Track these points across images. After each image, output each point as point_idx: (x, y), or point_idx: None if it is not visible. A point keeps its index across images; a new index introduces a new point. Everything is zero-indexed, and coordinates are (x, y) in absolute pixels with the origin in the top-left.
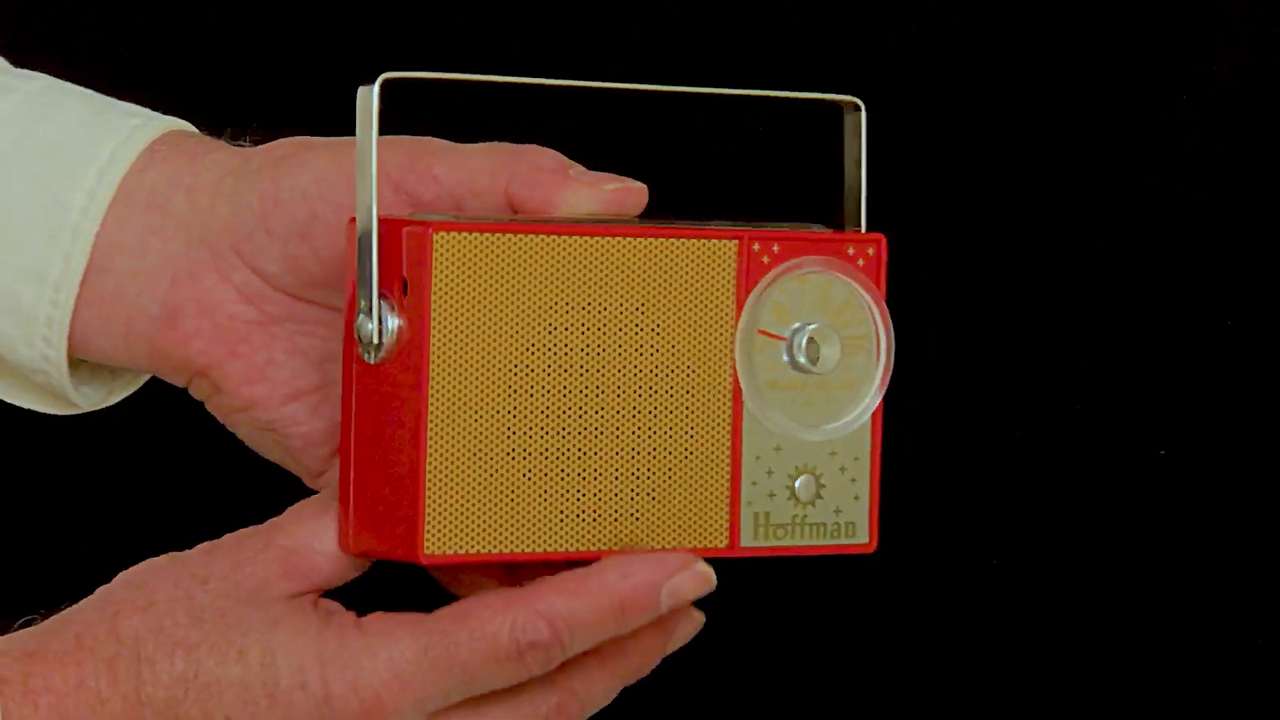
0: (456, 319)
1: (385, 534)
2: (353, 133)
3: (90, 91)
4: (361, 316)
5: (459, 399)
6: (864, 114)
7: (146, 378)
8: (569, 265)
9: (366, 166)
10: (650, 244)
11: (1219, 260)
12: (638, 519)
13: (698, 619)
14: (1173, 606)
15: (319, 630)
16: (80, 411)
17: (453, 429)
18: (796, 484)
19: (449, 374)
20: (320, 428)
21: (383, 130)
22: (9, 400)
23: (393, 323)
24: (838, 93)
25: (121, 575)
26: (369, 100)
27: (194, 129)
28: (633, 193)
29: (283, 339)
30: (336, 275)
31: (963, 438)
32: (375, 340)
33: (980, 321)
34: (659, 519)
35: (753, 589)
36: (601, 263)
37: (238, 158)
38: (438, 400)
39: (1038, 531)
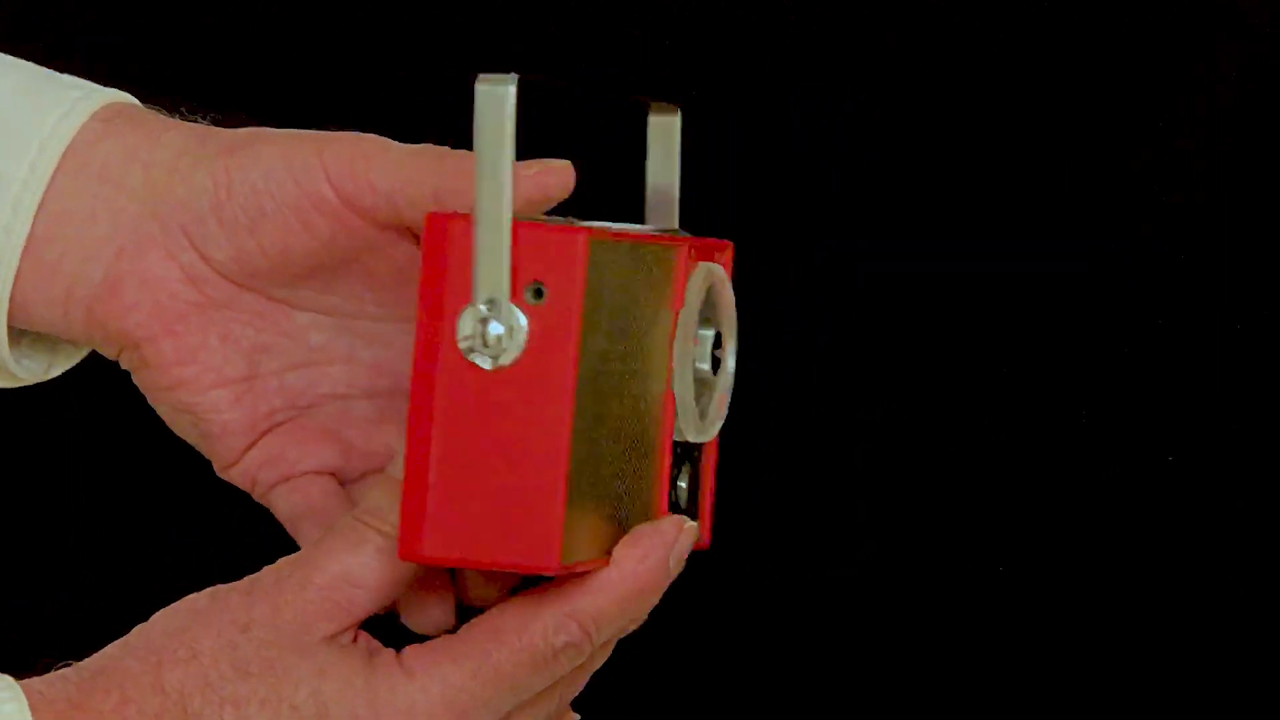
0: (585, 325)
1: (490, 543)
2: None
3: (24, 62)
4: (488, 320)
5: (581, 407)
6: (679, 117)
7: (85, 352)
8: (634, 272)
9: (495, 166)
10: (669, 251)
11: (1222, 262)
12: (624, 521)
13: (692, 529)
14: (1176, 608)
15: (367, 677)
16: (19, 385)
17: (578, 438)
18: (681, 485)
19: (581, 381)
20: (239, 418)
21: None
22: None
23: (524, 327)
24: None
25: (160, 618)
26: (497, 99)
27: (136, 101)
28: (554, 172)
29: (218, 324)
30: (280, 269)
31: (966, 442)
32: (505, 344)
33: (982, 323)
34: (631, 519)
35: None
36: (649, 270)
37: (194, 138)
38: (577, 408)
39: (1040, 535)
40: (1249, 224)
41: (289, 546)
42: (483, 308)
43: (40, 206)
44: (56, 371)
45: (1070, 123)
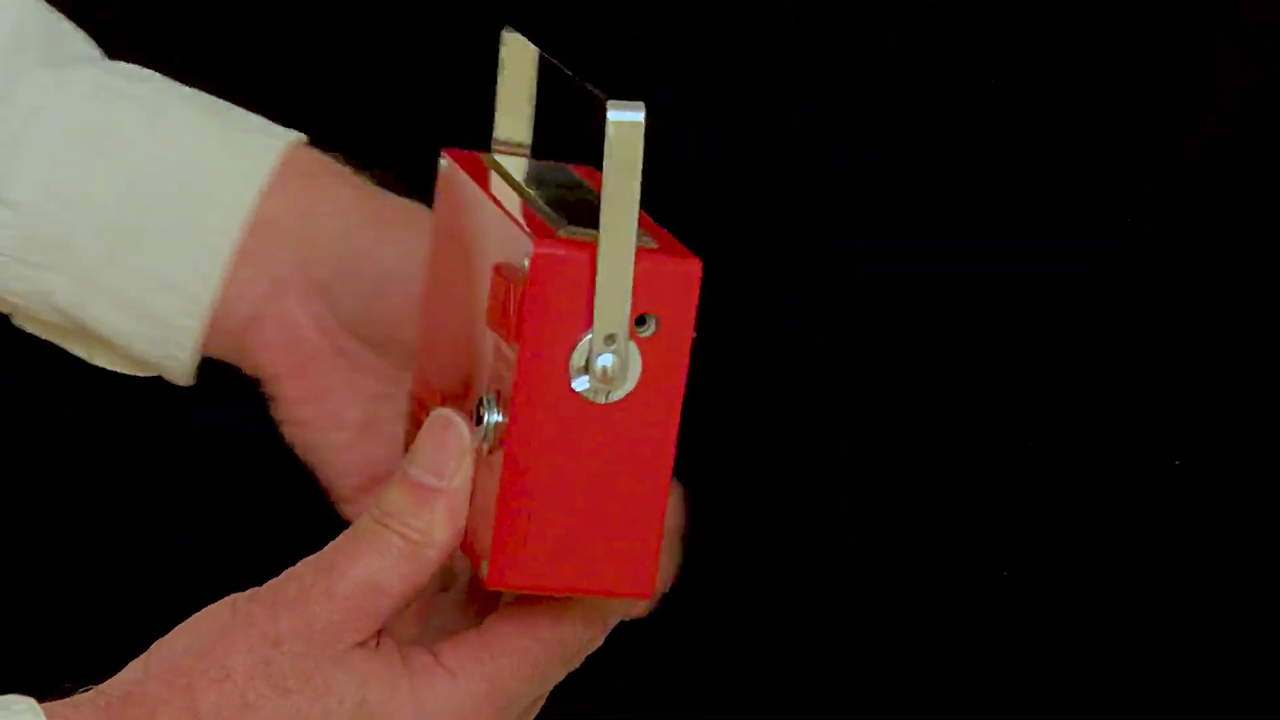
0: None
1: (585, 571)
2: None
3: (201, 95)
4: (603, 354)
5: None
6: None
7: None
8: None
9: (624, 196)
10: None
11: (1222, 262)
12: None
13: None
14: (1174, 608)
15: (410, 680)
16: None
17: None
18: None
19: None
20: (355, 460)
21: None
22: (96, 364)
23: (639, 362)
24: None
25: (180, 636)
26: (632, 127)
27: (305, 141)
28: None
29: (343, 372)
30: (400, 336)
31: (966, 441)
32: (619, 380)
33: (982, 322)
34: None
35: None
36: None
37: (357, 200)
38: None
39: (1040, 535)
40: (1249, 224)
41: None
42: (600, 342)
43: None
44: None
45: (1070, 123)
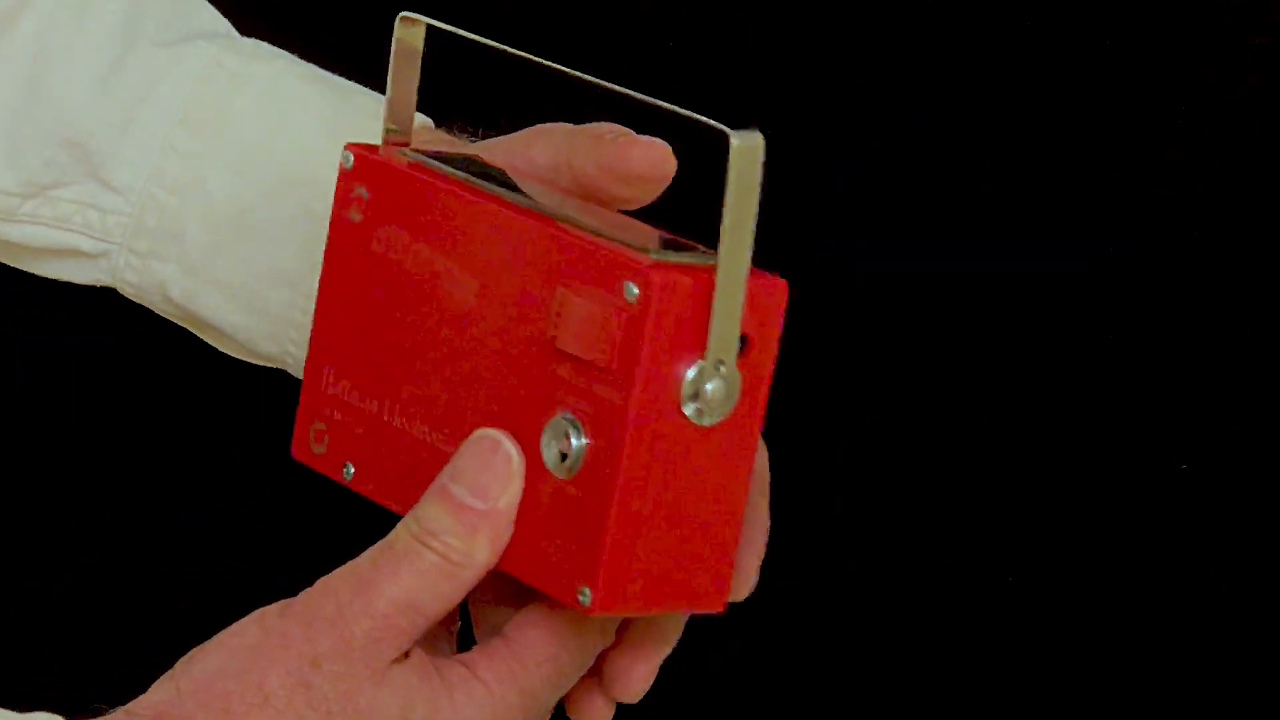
0: None
1: (667, 590)
2: None
3: (322, 74)
4: (714, 379)
5: None
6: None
7: None
8: None
9: (744, 224)
10: None
11: (1222, 262)
12: None
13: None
14: (1172, 607)
15: (449, 694)
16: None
17: None
18: None
19: None
20: None
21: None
22: (227, 352)
23: (738, 386)
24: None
25: (211, 655)
26: (753, 153)
27: (427, 120)
28: (644, 147)
29: None
30: None
31: (966, 441)
32: (722, 404)
33: (982, 322)
34: None
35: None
36: None
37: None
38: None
39: (1039, 535)
40: (1249, 224)
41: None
42: (711, 368)
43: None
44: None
45: (1070, 123)
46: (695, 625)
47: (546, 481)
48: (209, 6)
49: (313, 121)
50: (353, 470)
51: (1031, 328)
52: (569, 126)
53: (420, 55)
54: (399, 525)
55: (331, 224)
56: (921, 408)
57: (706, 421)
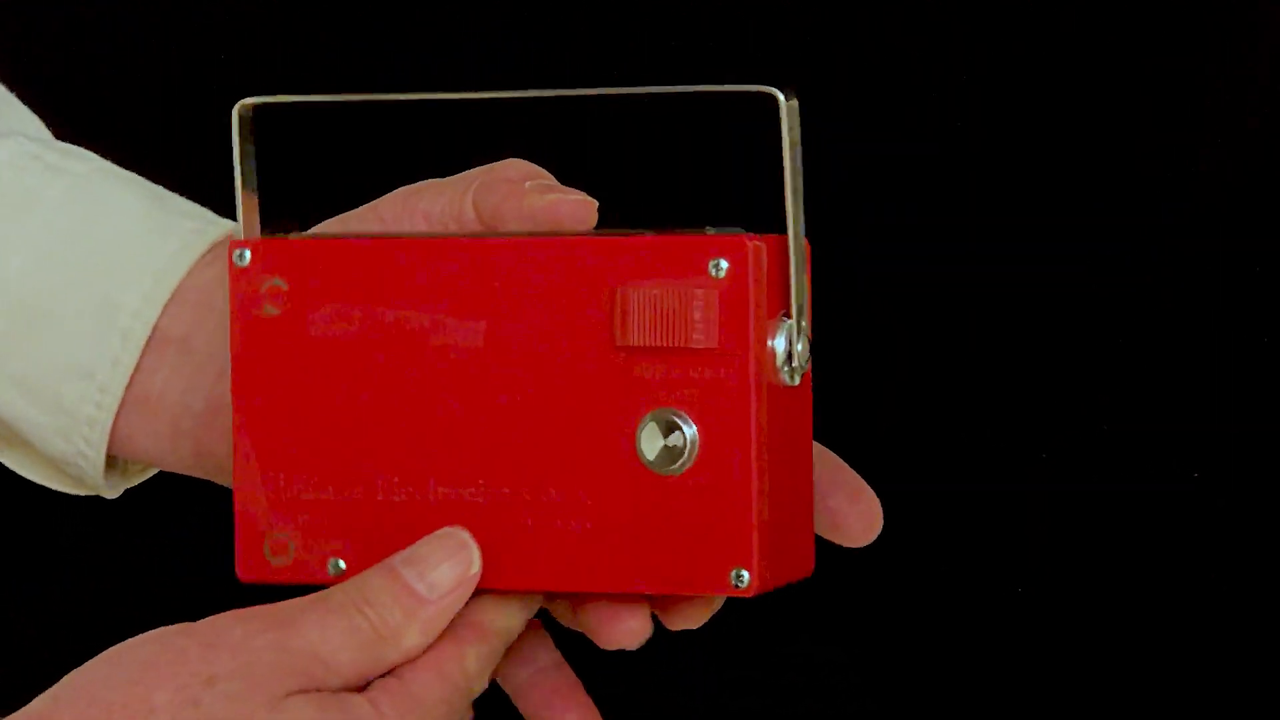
0: None
1: (789, 560)
2: None
3: (141, 180)
4: (800, 338)
5: None
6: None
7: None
8: None
9: (798, 184)
10: None
11: (1222, 263)
12: None
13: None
14: (1170, 607)
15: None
16: (88, 493)
17: None
18: None
19: None
20: None
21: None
22: (23, 474)
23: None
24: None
25: (98, 667)
26: (797, 120)
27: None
28: (573, 205)
29: None
30: None
31: (966, 442)
32: (805, 360)
33: (982, 324)
34: None
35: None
36: None
37: None
38: None
39: (1039, 538)
40: (1249, 224)
41: None
42: (796, 329)
43: (148, 339)
44: (132, 483)
45: (1070, 124)
46: (696, 633)
47: (655, 485)
48: (31, 113)
49: (129, 214)
50: (344, 564)
51: (1032, 329)
52: (452, 177)
53: (253, 145)
54: (336, 586)
55: (237, 327)
56: (923, 412)
57: (795, 381)
